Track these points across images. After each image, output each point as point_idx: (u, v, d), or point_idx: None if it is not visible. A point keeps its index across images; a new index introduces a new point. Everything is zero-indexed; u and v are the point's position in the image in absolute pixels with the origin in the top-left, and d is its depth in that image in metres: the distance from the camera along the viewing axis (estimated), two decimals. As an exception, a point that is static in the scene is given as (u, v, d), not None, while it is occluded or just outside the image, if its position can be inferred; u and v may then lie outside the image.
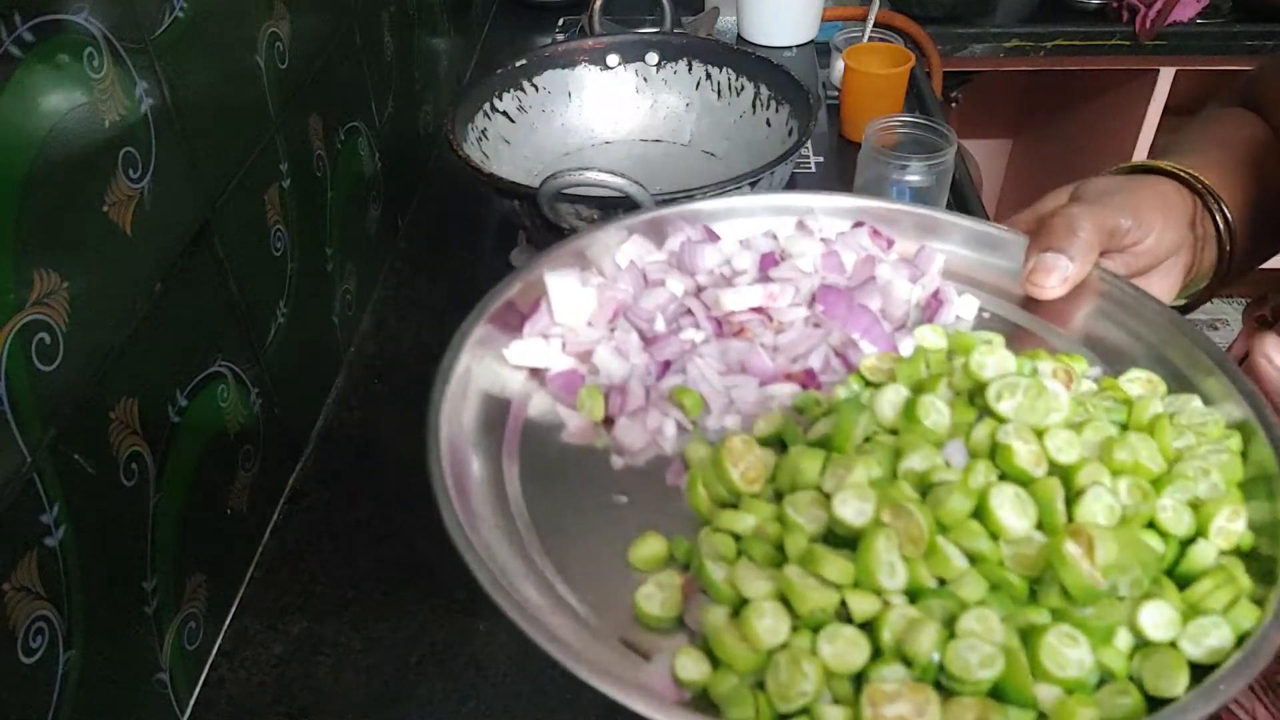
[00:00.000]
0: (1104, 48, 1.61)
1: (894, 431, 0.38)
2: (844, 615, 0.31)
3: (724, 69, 0.96)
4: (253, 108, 0.69)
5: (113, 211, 0.52)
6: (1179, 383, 0.42)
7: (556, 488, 0.39)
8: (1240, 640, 0.31)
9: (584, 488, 0.39)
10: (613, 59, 0.98)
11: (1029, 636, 0.30)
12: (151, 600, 0.56)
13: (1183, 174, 0.52)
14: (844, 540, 0.33)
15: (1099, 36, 1.60)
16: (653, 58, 0.98)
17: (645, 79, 0.99)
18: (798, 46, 1.29)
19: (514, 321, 0.44)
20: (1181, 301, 0.57)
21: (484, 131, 0.90)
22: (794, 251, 0.48)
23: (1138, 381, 0.42)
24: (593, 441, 0.41)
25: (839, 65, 1.15)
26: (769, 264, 0.47)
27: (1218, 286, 0.56)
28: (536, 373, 0.43)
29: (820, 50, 1.28)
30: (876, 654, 0.30)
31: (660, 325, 0.44)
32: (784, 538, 0.34)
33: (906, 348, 0.44)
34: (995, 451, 0.35)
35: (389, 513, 0.73)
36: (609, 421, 0.41)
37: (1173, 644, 0.31)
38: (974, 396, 0.39)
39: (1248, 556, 0.34)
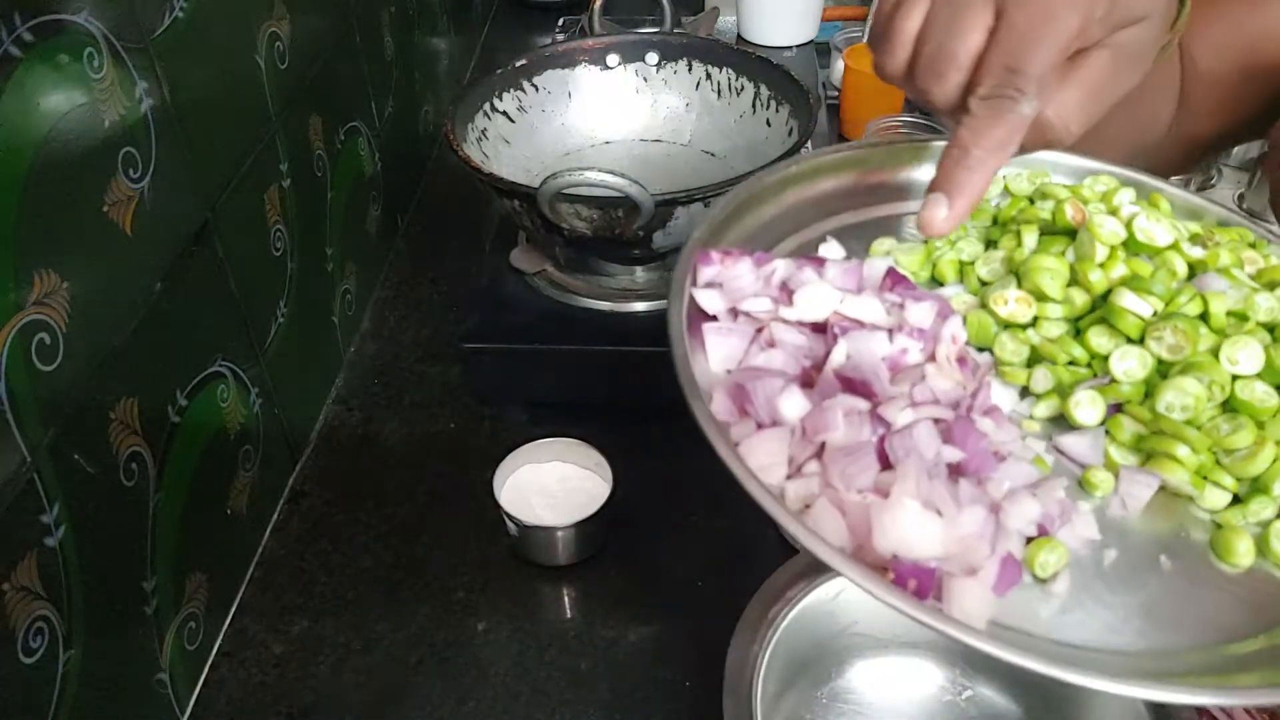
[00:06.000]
0: (1104, 48, 1.61)
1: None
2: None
3: (724, 69, 0.96)
4: (253, 108, 0.69)
5: (113, 211, 0.52)
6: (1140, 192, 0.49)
7: None
8: None
9: None
10: (613, 59, 0.98)
11: None
12: (151, 600, 0.56)
13: None
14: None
15: (1099, 36, 1.60)
16: (653, 58, 0.98)
17: (645, 79, 0.99)
18: (798, 46, 1.28)
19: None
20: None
21: (484, 131, 0.90)
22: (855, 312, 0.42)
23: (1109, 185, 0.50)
24: None
25: (839, 65, 1.15)
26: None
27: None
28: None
29: (820, 50, 1.28)
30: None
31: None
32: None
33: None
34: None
35: (389, 513, 0.73)
36: None
37: None
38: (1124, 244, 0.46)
39: None
